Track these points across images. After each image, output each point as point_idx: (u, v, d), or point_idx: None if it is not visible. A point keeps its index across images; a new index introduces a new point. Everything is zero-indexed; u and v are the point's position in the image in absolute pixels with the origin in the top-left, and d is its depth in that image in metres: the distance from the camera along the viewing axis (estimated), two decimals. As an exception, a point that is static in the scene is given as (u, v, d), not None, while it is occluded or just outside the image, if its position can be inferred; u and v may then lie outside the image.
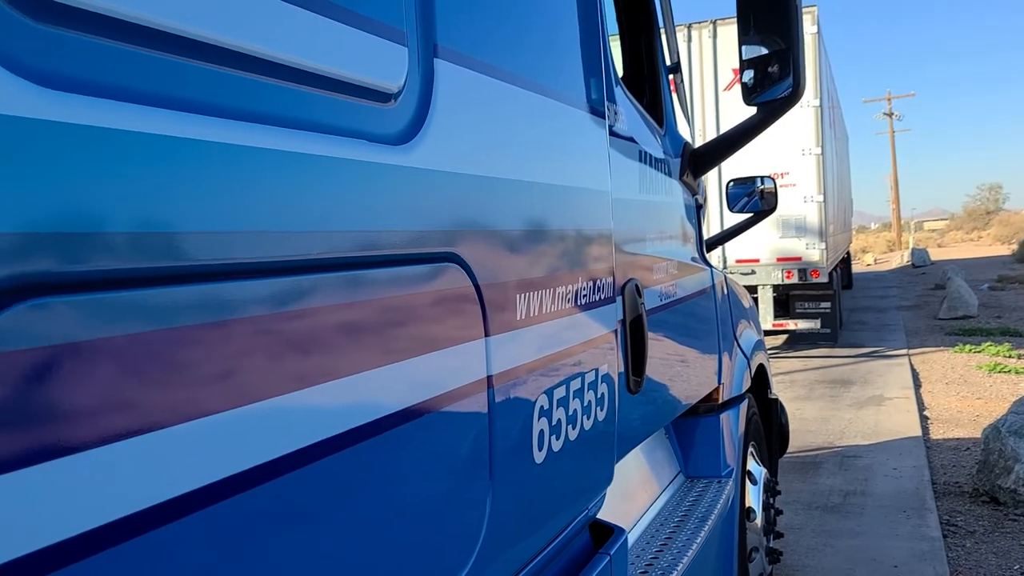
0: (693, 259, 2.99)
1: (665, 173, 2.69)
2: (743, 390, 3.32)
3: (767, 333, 13.22)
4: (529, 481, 1.40)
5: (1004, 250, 35.20)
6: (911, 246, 36.18)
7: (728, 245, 11.36)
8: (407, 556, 1.06)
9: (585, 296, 1.66)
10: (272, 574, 0.82)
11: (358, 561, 0.95)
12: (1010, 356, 10.68)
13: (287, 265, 0.85)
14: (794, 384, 9.57)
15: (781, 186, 11.18)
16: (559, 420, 1.52)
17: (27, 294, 0.58)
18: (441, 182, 1.15)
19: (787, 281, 11.15)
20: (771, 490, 3.64)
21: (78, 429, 0.61)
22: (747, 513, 3.35)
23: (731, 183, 4.51)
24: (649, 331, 2.17)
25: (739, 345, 3.42)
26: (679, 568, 2.16)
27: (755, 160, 11.10)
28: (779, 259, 11.10)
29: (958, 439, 6.90)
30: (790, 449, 6.77)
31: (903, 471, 5.98)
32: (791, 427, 7.77)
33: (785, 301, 12.06)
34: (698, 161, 2.95)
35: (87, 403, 0.62)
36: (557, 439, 1.51)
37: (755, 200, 4.46)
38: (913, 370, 10.11)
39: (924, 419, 7.67)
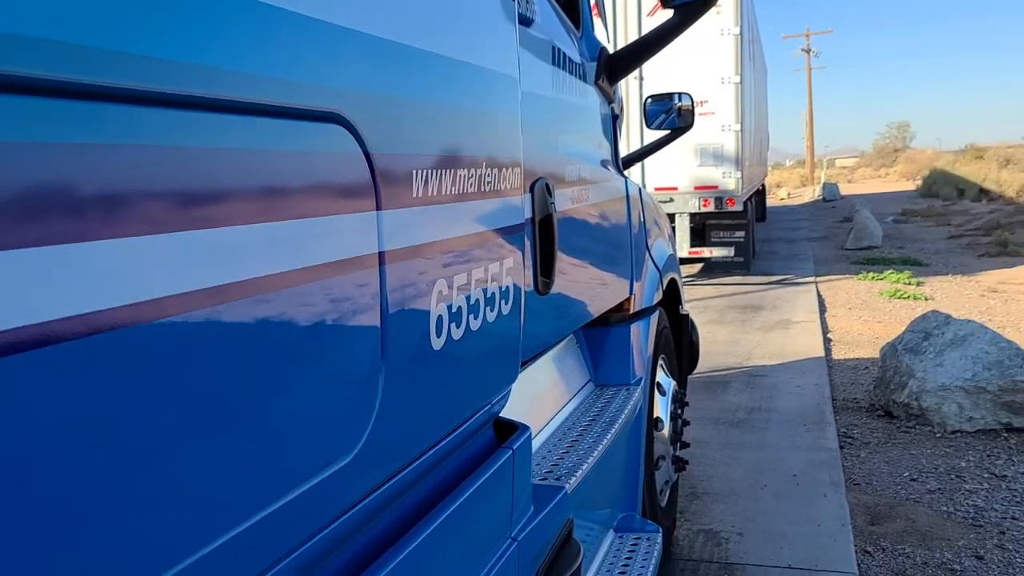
0: (607, 167, 2.95)
1: (580, 76, 2.62)
2: (654, 302, 3.34)
3: (683, 261, 13.50)
4: (426, 366, 1.35)
5: (909, 186, 36.59)
6: (823, 181, 37.24)
7: (648, 173, 11.46)
8: (284, 432, 1.00)
9: (490, 184, 1.60)
10: (118, 439, 0.75)
11: (221, 439, 0.88)
12: (909, 283, 11.17)
13: (156, 96, 0.76)
14: (707, 310, 9.81)
15: (700, 114, 11.30)
16: (460, 308, 1.46)
17: None
18: (329, 34, 1.06)
19: (704, 209, 11.33)
20: (679, 402, 3.71)
21: None
22: (655, 423, 3.41)
23: (649, 99, 4.47)
24: (559, 233, 2.13)
25: (652, 258, 3.43)
26: (583, 469, 2.17)
27: (675, 88, 11.14)
28: (696, 187, 11.25)
29: (858, 359, 7.21)
30: (700, 369, 6.96)
31: (805, 388, 6.22)
32: (703, 349, 7.98)
33: (701, 230, 12.30)
34: (615, 65, 2.89)
35: None
36: (458, 327, 1.46)
37: (672, 117, 4.45)
38: (819, 296, 10.48)
39: (827, 341, 7.98)
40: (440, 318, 1.39)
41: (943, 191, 27.79)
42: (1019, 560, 3.50)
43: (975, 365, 5.14)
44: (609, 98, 3.05)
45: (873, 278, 11.68)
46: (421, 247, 1.31)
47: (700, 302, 10.32)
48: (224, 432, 0.88)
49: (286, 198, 0.98)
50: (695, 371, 6.94)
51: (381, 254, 1.19)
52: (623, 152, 4.41)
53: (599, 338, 3.01)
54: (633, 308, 3.13)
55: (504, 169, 1.69)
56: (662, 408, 3.47)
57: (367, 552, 1.30)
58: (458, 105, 1.49)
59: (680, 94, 4.47)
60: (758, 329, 8.57)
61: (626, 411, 2.71)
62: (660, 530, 2.93)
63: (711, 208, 11.25)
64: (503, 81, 1.72)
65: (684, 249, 11.57)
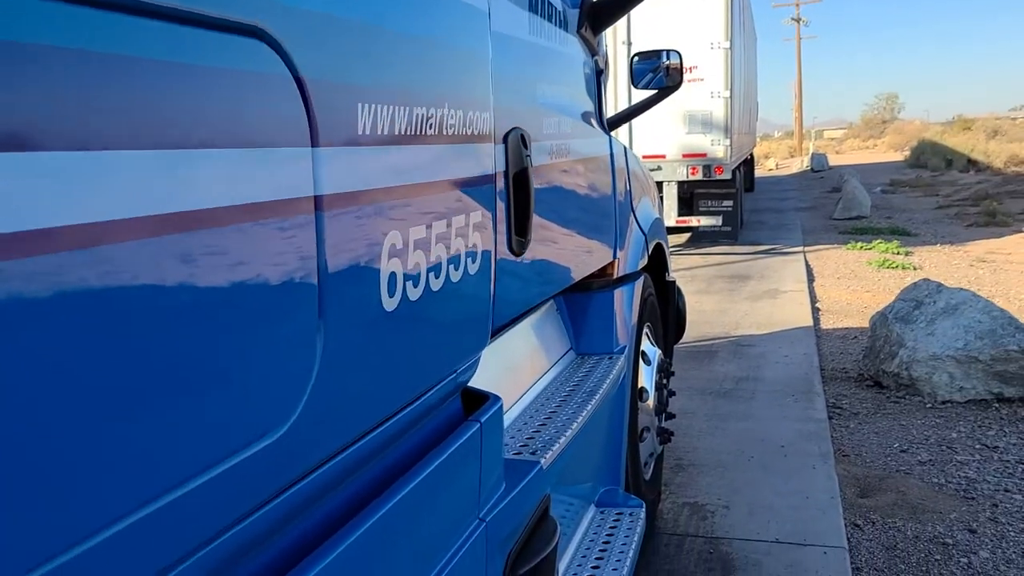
0: (590, 123, 2.78)
1: (560, 23, 2.44)
2: (639, 268, 3.18)
3: (671, 230, 13.34)
4: (376, 329, 1.20)
5: (898, 157, 36.49)
6: (811, 152, 37.08)
7: (636, 140, 11.27)
8: (201, 395, 0.84)
9: (453, 128, 1.43)
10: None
11: (109, 412, 0.72)
12: (898, 253, 11.08)
13: None
14: (695, 279, 9.68)
15: (689, 80, 11.13)
16: (417, 266, 1.30)
17: None
18: None
19: (692, 177, 11.16)
20: (665, 371, 3.58)
21: None
22: (640, 393, 3.28)
23: (636, 57, 4.28)
24: (536, 189, 1.96)
25: (637, 221, 3.27)
26: (561, 442, 2.02)
27: (664, 53, 10.92)
28: (685, 155, 11.08)
29: (847, 328, 7.10)
30: (687, 338, 6.83)
31: (794, 358, 6.10)
32: (690, 318, 7.86)
33: (689, 199, 12.15)
34: (598, 14, 2.71)
35: None
36: (415, 287, 1.30)
37: (660, 76, 4.27)
38: (808, 266, 10.36)
39: (816, 310, 7.87)
40: (393, 276, 1.23)
41: (931, 162, 27.69)
42: (1012, 534, 3.40)
43: (967, 334, 5.03)
44: (593, 50, 2.87)
45: (861, 248, 11.58)
46: (368, 193, 1.15)
47: (687, 271, 10.19)
48: (114, 403, 0.72)
49: (195, 122, 0.81)
50: (681, 340, 6.85)
51: (318, 199, 1.03)
52: (608, 113, 4.23)
53: (581, 304, 2.86)
54: (617, 273, 2.98)
55: (471, 113, 1.52)
56: (647, 378, 3.33)
57: (314, 535, 1.15)
58: (414, 33, 1.32)
59: (668, 51, 4.29)
60: (746, 298, 8.46)
61: (608, 381, 2.56)
62: (643, 505, 2.80)
63: (699, 176, 11.08)
64: (470, 14, 1.55)
65: (671, 218, 11.43)
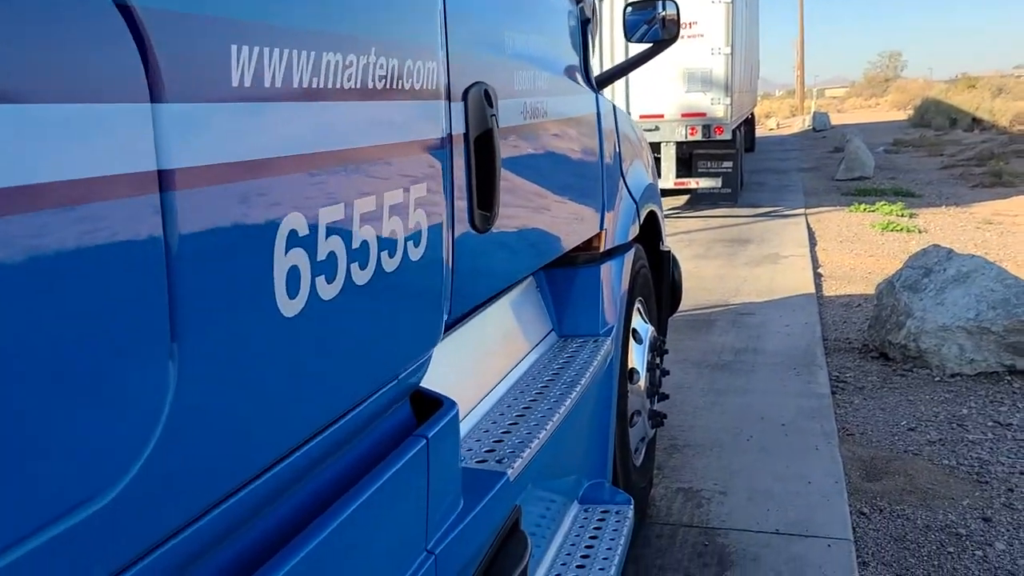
0: (572, 78, 2.48)
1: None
2: (629, 239, 2.90)
3: (669, 193, 13.01)
4: (266, 340, 0.93)
5: (901, 116, 35.90)
6: (813, 111, 36.48)
7: (632, 99, 10.89)
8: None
9: (383, 80, 1.15)
10: None
11: None
12: (902, 215, 10.78)
13: None
14: (693, 243, 9.39)
15: (688, 36, 10.71)
16: (332, 256, 1.03)
17: None
18: None
19: (691, 138, 10.80)
20: (658, 350, 3.32)
21: None
22: (630, 375, 3.03)
23: (629, 7, 3.95)
24: (503, 154, 1.68)
25: (627, 187, 2.98)
26: (533, 446, 1.76)
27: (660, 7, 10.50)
28: (683, 115, 10.71)
29: (850, 295, 6.84)
30: (684, 307, 6.55)
31: (795, 328, 5.85)
32: (687, 285, 7.59)
33: (688, 160, 11.80)
34: None
35: None
36: (330, 282, 1.03)
37: (655, 28, 3.94)
38: (809, 229, 10.07)
39: (818, 276, 7.60)
40: (295, 269, 0.96)
41: (935, 121, 27.17)
42: (1030, 522, 3.17)
43: (979, 304, 4.76)
44: (576, -4, 2.56)
45: (865, 210, 11.26)
46: (243, 165, 0.87)
47: (686, 235, 9.90)
48: None
49: None
50: (678, 310, 6.59)
51: (162, 174, 0.75)
52: (599, 70, 3.92)
53: (563, 281, 2.59)
54: (604, 246, 2.70)
55: (410, 63, 1.24)
56: (638, 358, 3.08)
57: None
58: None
59: (664, 1, 3.96)
60: (745, 264, 8.18)
61: (593, 367, 2.30)
62: (631, 502, 2.56)
63: (698, 136, 10.72)
64: None
65: (670, 180, 11.10)
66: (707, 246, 9.23)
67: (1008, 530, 3.12)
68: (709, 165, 11.67)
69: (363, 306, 1.13)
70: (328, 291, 1.03)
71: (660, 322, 3.77)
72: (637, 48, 4.01)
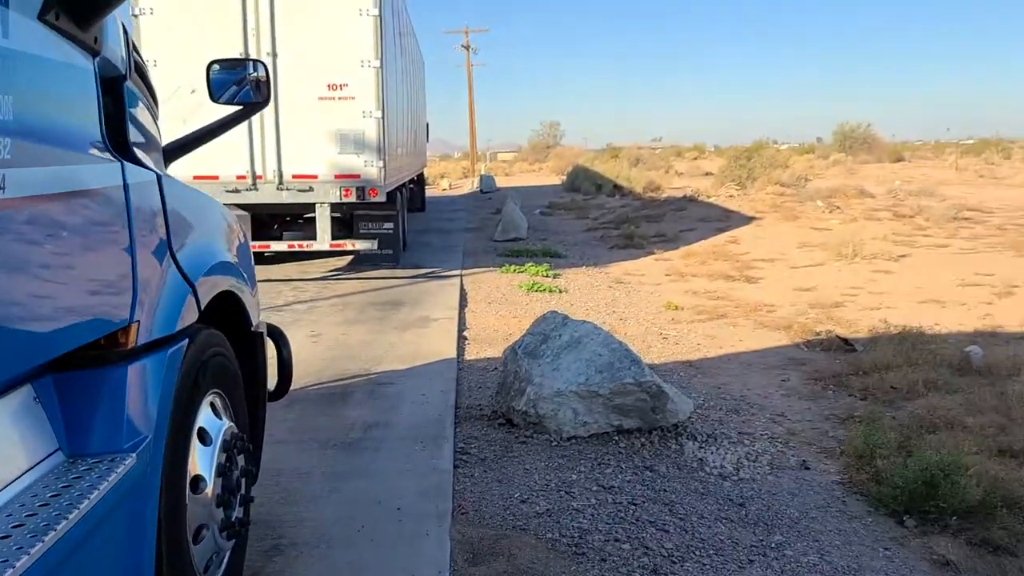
0: (76, 146, 2.06)
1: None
2: (178, 328, 2.50)
3: (328, 255, 12.72)
4: None
5: (558, 180, 39.28)
6: (481, 173, 38.66)
7: (284, 158, 10.50)
8: None
9: None
10: None
11: None
12: (547, 276, 11.49)
13: None
14: (347, 307, 9.15)
15: (340, 98, 10.58)
16: None
17: None
18: None
19: (346, 199, 10.63)
20: (239, 448, 2.93)
21: None
22: (194, 483, 2.60)
23: (215, 65, 3.61)
24: None
25: (180, 268, 2.59)
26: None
27: (314, 68, 10.30)
28: (337, 175, 10.52)
29: (488, 359, 6.97)
30: (322, 379, 6.24)
31: (431, 396, 5.77)
32: (332, 354, 7.25)
33: (350, 221, 11.64)
34: None
35: None
36: None
37: (246, 90, 3.64)
38: (463, 290, 10.31)
39: (462, 339, 7.69)
40: None
41: (584, 186, 30.01)
42: (617, 593, 3.23)
43: (588, 368, 5.00)
44: (90, 47, 2.15)
45: (515, 270, 11.85)
46: None
47: (340, 299, 9.64)
48: None
49: None
50: (318, 382, 6.22)
51: None
52: (174, 136, 3.53)
53: (74, 387, 2.12)
54: (138, 340, 2.27)
55: None
56: (204, 462, 2.66)
57: None
58: None
59: (255, 62, 3.68)
60: (395, 328, 8.08)
61: (92, 496, 1.86)
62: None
63: (353, 199, 10.58)
64: None
65: (325, 242, 10.83)
66: (360, 309, 9.03)
67: (597, 605, 3.15)
68: (370, 226, 11.61)
69: None
70: None
71: (254, 414, 3.38)
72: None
